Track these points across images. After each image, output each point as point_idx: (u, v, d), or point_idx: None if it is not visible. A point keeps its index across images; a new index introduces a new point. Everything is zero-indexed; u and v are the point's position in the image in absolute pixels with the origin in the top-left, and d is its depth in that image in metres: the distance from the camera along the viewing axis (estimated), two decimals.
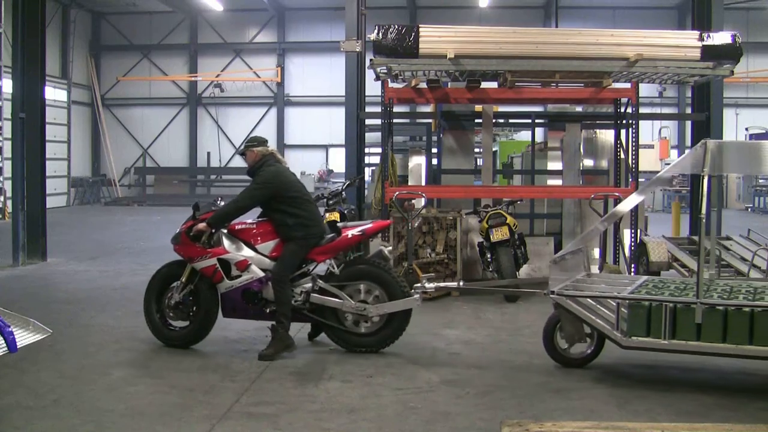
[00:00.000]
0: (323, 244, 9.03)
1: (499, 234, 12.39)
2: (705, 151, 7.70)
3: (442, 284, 9.09)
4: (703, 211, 7.63)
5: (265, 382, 7.74)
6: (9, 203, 22.05)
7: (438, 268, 12.96)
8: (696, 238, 14.14)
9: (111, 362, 8.51)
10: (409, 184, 16.79)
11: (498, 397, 7.28)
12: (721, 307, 7.40)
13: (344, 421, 6.58)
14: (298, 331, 9.45)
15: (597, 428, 5.87)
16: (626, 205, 8.84)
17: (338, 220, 13.01)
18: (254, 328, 9.94)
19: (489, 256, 12.70)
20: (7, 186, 24.26)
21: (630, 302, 7.71)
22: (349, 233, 9.06)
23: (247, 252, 9.05)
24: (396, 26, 12.22)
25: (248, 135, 39.88)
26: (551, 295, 8.02)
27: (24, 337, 9.23)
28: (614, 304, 7.85)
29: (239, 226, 9.19)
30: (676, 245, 13.45)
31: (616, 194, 12.88)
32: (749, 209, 34.77)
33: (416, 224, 12.84)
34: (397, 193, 13.01)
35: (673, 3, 38.15)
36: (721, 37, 12.37)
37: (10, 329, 8.97)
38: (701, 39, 12.30)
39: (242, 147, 9.54)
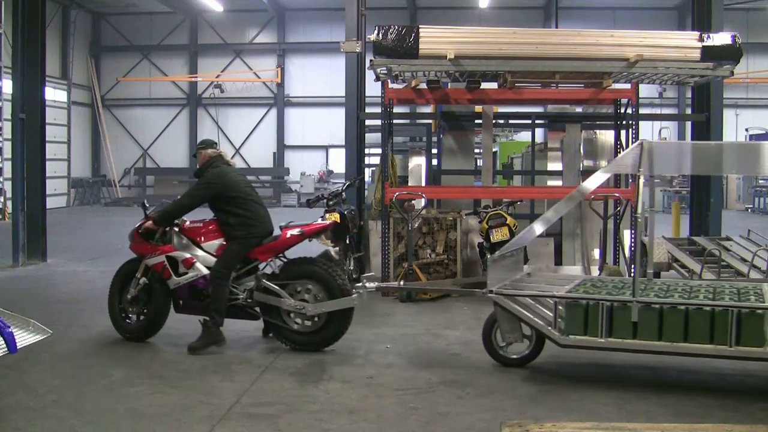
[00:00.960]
0: (265, 243, 9.23)
1: (499, 235, 12.39)
2: (641, 151, 7.93)
3: (383, 284, 9.10)
4: (639, 210, 7.92)
5: (265, 383, 7.74)
6: (9, 204, 22.02)
7: (438, 268, 12.97)
8: (696, 239, 14.15)
9: (111, 363, 8.51)
10: (409, 184, 16.79)
11: (498, 398, 7.28)
12: (656, 306, 7.52)
13: (344, 422, 6.58)
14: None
15: (597, 429, 5.87)
16: (557, 212, 8.85)
17: (338, 221, 12.99)
18: (255, 328, 9.94)
19: (489, 256, 12.69)
20: (7, 186, 24.22)
21: (568, 301, 7.82)
22: (288, 233, 9.23)
23: (193, 250, 9.33)
24: (396, 27, 12.23)
25: (248, 135, 40.08)
26: (489, 294, 8.10)
27: (24, 338, 9.23)
28: (552, 303, 7.94)
29: (188, 225, 9.51)
30: (676, 246, 13.44)
31: (616, 195, 12.87)
32: (749, 210, 34.77)
33: (416, 225, 12.85)
34: (397, 193, 13.02)
35: (673, 4, 38.16)
36: (721, 38, 12.38)
37: (10, 330, 8.97)
38: (701, 40, 12.31)
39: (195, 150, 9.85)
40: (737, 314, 7.25)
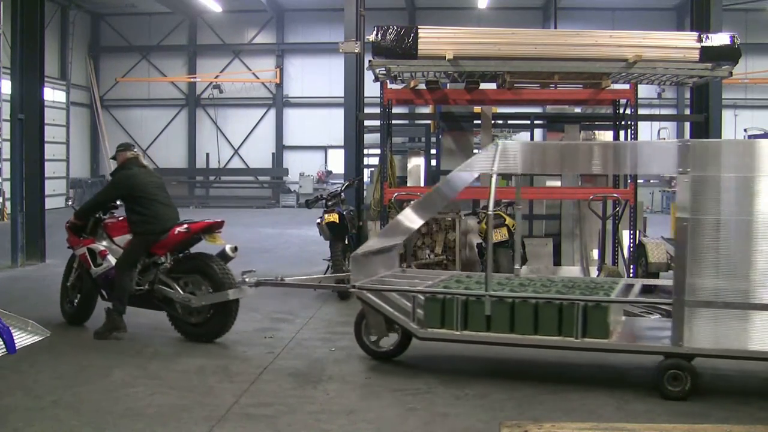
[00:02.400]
0: (160, 240, 9.84)
1: (498, 235, 12.38)
2: (496, 151, 8.36)
3: (262, 280, 9.44)
4: (490, 208, 8.17)
5: (264, 384, 7.74)
6: (8, 204, 22.04)
7: (437, 269, 12.95)
8: None
9: (110, 363, 8.50)
10: (408, 185, 16.79)
11: (497, 398, 7.28)
12: (508, 300, 7.89)
13: (343, 422, 6.58)
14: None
15: (596, 429, 5.88)
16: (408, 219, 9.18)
17: (337, 221, 13.00)
18: (253, 329, 9.97)
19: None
20: (6, 187, 24.32)
21: (426, 295, 8.15)
22: (177, 230, 9.83)
23: (107, 243, 10.17)
24: (395, 27, 12.24)
25: (247, 136, 40.07)
26: (352, 289, 8.47)
27: (23, 338, 9.22)
28: (413, 297, 8.21)
29: (108, 221, 10.36)
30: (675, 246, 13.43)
31: (615, 195, 12.87)
32: None
33: None
34: (396, 194, 13.02)
35: (671, 4, 38.17)
36: (719, 39, 12.39)
37: (8, 330, 8.98)
38: (700, 40, 12.32)
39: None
40: (583, 307, 7.64)
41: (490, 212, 8.21)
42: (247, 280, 9.39)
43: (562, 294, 8.02)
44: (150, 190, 10.05)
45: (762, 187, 7.21)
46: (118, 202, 10.55)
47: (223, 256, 9.86)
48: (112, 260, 9.92)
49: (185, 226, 9.88)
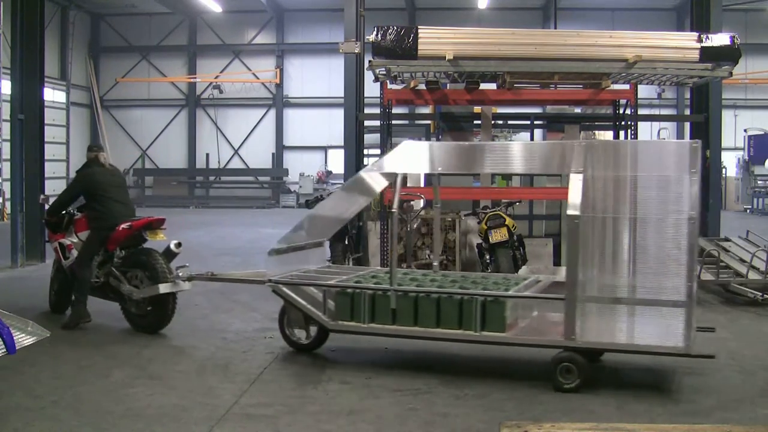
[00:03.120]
0: (110, 236, 10.37)
1: (497, 235, 12.39)
2: (402, 151, 8.90)
3: (194, 275, 9.84)
4: (394, 206, 8.56)
5: (264, 384, 7.74)
6: (8, 204, 22.04)
7: (437, 269, 12.91)
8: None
9: (109, 364, 8.50)
10: (408, 185, 16.79)
11: (497, 398, 7.28)
12: (412, 294, 8.23)
13: (343, 423, 6.58)
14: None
15: (596, 429, 5.87)
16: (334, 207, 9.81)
17: None
18: (253, 329, 9.97)
19: (488, 257, 12.69)
20: (6, 187, 24.31)
21: (336, 290, 8.58)
22: (122, 227, 10.31)
23: (74, 238, 10.77)
24: (395, 28, 12.25)
25: (247, 136, 40.09)
26: (268, 283, 8.82)
27: (23, 339, 9.22)
28: (324, 291, 8.68)
29: (76, 217, 10.95)
30: None
31: None
32: (748, 211, 34.78)
33: (415, 225, 12.84)
34: None
35: (671, 4, 38.18)
36: (719, 39, 12.40)
37: (8, 330, 8.98)
38: (700, 40, 12.33)
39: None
40: (482, 302, 7.95)
41: (394, 209, 8.60)
42: (180, 275, 9.78)
43: (466, 289, 8.26)
44: (105, 188, 10.60)
45: (644, 186, 7.47)
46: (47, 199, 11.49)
47: (168, 253, 10.31)
48: (75, 254, 10.60)
49: (129, 223, 10.34)
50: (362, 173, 9.50)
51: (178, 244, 10.34)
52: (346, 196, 9.79)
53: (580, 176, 7.61)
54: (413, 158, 8.93)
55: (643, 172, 7.50)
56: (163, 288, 9.76)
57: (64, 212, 10.95)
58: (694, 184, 7.29)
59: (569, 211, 7.60)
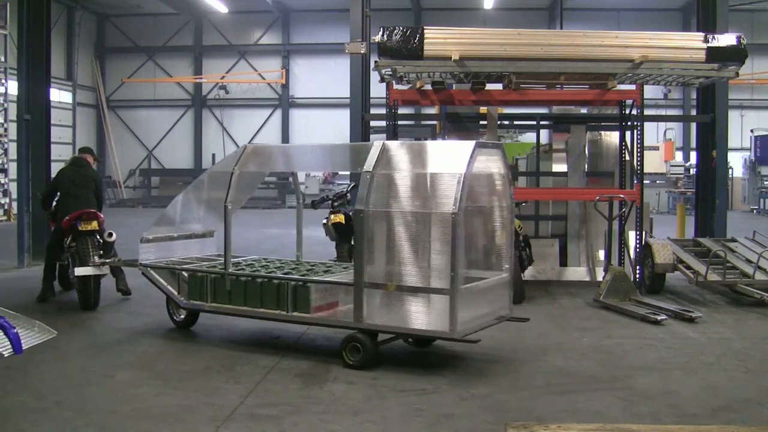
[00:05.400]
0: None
1: None
2: (242, 152, 9.87)
3: (106, 261, 11.44)
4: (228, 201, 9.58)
5: (270, 384, 7.74)
6: (14, 205, 22.09)
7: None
8: (702, 240, 14.13)
9: (115, 364, 8.51)
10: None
11: (502, 399, 7.27)
12: (243, 278, 9.28)
13: (349, 423, 6.57)
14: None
15: (602, 430, 5.86)
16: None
17: (343, 222, 13.00)
18: (259, 329, 9.97)
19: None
20: (13, 188, 24.35)
21: (189, 273, 9.73)
22: (65, 219, 11.75)
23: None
24: (401, 28, 12.24)
25: (253, 137, 40.12)
26: (139, 267, 10.20)
27: (29, 339, 9.24)
28: (178, 274, 9.95)
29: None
30: (681, 247, 13.43)
31: (621, 196, 12.85)
32: (755, 211, 34.75)
33: None
34: None
35: (677, 5, 38.15)
36: (725, 39, 12.37)
37: (15, 330, 8.98)
38: (706, 41, 12.31)
39: None
40: (294, 286, 8.91)
41: (226, 206, 9.49)
42: (96, 260, 11.33)
43: (288, 275, 9.21)
44: (65, 185, 12.53)
45: (416, 184, 8.22)
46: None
47: (104, 242, 11.76)
48: None
49: (69, 215, 11.72)
50: (207, 172, 10.74)
51: (110, 234, 11.79)
52: (195, 194, 10.71)
53: (369, 174, 8.34)
54: (253, 159, 9.95)
55: (417, 170, 8.31)
56: (78, 271, 11.35)
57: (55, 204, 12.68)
58: (459, 183, 7.82)
59: (356, 206, 8.39)
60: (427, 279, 8.04)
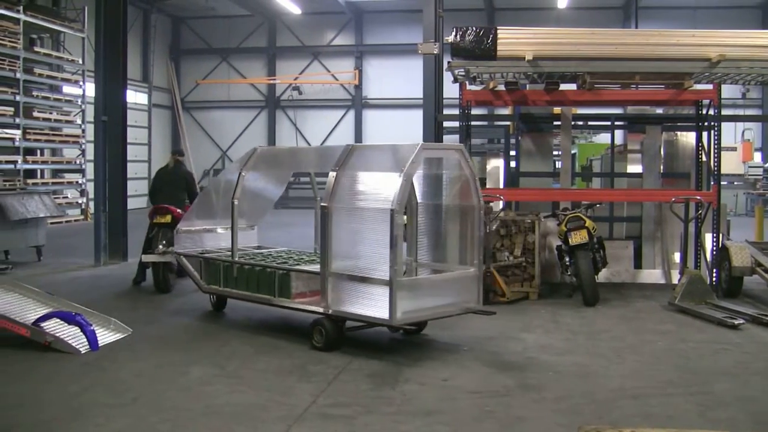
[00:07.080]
0: None
1: (577, 237, 12.26)
2: (251, 154, 11.18)
3: (167, 250, 12.54)
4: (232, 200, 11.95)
5: (342, 384, 7.76)
6: (91, 204, 22.46)
7: (516, 271, 12.84)
8: None
9: (188, 361, 8.61)
10: (487, 186, 16.70)
11: (575, 402, 7.20)
12: (247, 266, 10.45)
13: (420, 424, 6.56)
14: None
15: None
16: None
17: None
18: None
19: (567, 259, 12.57)
20: (90, 188, 24.77)
21: (207, 261, 11.07)
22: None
23: None
24: (473, 28, 12.20)
25: (326, 137, 40.28)
26: (174, 254, 11.65)
27: (105, 336, 9.44)
28: (200, 262, 11.24)
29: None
30: (760, 250, 13.16)
31: (698, 198, 12.66)
32: None
33: (494, 227, 12.77)
34: None
35: (756, 2, 37.40)
36: None
37: (92, 328, 9.18)
38: None
39: None
40: (280, 274, 9.97)
41: (233, 202, 10.82)
42: (160, 248, 12.71)
43: (280, 265, 10.25)
44: (158, 183, 14.38)
45: (368, 182, 9.02)
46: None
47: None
48: None
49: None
50: (220, 174, 12.63)
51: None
52: (212, 192, 12.10)
53: (334, 173, 9.16)
54: (264, 160, 11.26)
55: (372, 170, 9.21)
56: (145, 258, 13.15)
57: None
58: (399, 182, 8.51)
59: (322, 203, 9.19)
60: (371, 270, 8.74)
